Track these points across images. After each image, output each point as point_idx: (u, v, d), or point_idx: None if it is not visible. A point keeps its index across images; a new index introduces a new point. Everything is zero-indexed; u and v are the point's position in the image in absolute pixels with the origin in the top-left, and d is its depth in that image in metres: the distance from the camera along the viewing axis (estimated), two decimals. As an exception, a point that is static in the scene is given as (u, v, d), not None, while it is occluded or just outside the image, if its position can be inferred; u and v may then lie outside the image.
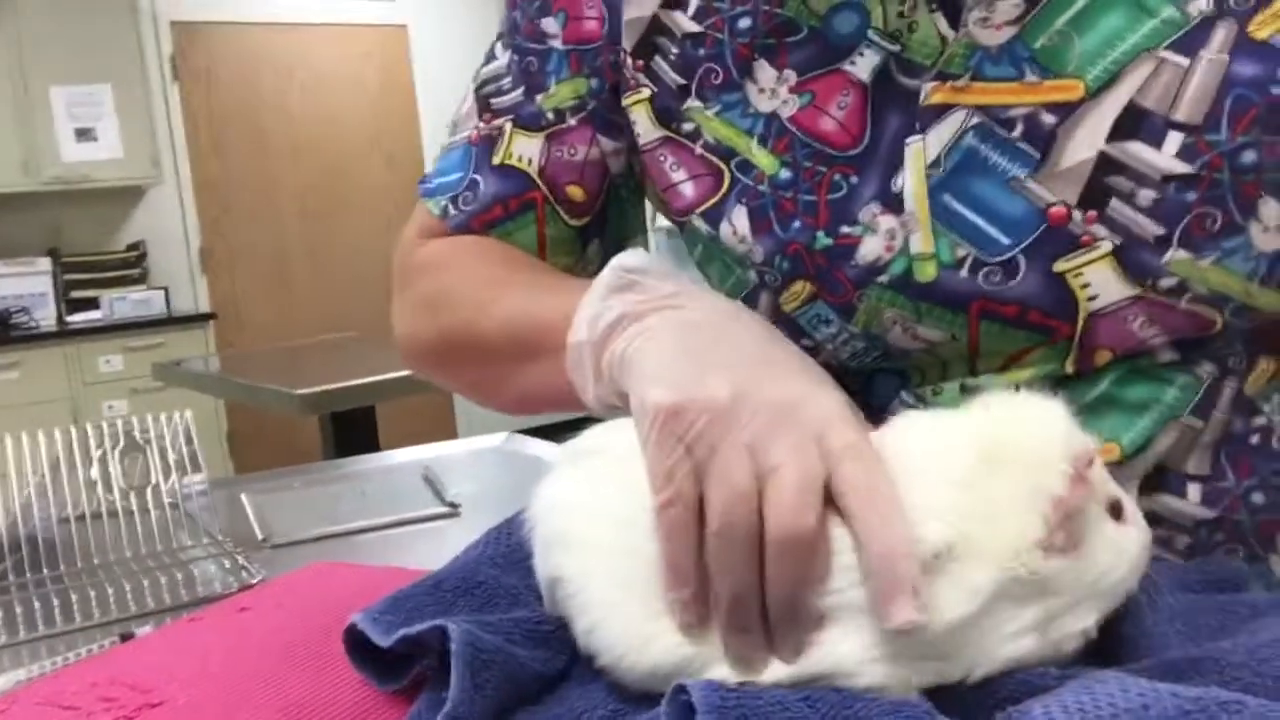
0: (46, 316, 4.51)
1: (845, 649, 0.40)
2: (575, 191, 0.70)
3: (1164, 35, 0.52)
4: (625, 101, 0.66)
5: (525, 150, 0.70)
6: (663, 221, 0.77)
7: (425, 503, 0.96)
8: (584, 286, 0.54)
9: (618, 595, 0.43)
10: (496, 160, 0.70)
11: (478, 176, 0.71)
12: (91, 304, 4.56)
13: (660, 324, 0.49)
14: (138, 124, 4.57)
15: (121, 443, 0.89)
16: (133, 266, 4.73)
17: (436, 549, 0.87)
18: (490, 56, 0.73)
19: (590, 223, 0.71)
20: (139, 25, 4.62)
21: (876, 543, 0.39)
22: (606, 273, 0.53)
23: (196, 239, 4.99)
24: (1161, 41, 0.52)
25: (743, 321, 0.50)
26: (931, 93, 0.56)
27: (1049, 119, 0.54)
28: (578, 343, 0.52)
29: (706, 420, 0.42)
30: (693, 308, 0.50)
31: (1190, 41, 0.52)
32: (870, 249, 0.57)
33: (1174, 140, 0.52)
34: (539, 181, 0.70)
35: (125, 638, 0.61)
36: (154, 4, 4.76)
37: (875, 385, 0.61)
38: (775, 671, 0.40)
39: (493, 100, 0.71)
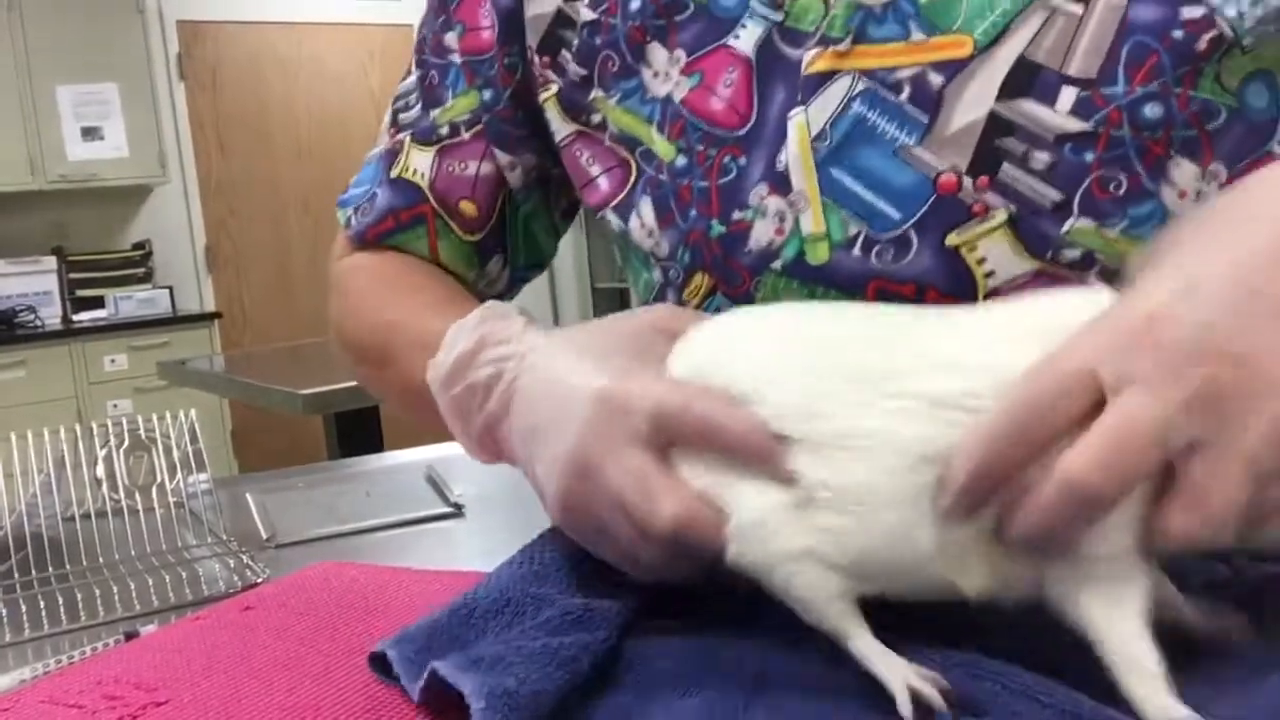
0: (52, 315, 4.52)
1: None
2: (467, 207, 0.69)
3: None
4: (540, 99, 0.65)
5: (419, 164, 0.70)
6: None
7: (429, 503, 0.96)
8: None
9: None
10: (394, 173, 0.71)
11: (378, 190, 0.72)
12: (97, 303, 4.56)
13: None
14: (144, 123, 4.58)
15: (126, 441, 0.89)
16: (138, 265, 4.74)
17: (440, 549, 0.87)
18: (406, 73, 0.74)
19: (486, 238, 0.71)
20: (145, 24, 4.62)
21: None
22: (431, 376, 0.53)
23: (202, 238, 4.99)
24: None
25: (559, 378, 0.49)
26: (813, 60, 0.52)
27: (937, 79, 0.49)
28: (465, 446, 0.54)
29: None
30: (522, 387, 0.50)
31: None
32: (761, 233, 0.54)
33: (1068, 96, 0.47)
34: (430, 196, 0.70)
35: (130, 636, 0.61)
36: (160, 3, 4.77)
37: None
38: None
39: (400, 115, 0.72)
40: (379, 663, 0.45)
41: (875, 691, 0.39)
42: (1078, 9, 0.47)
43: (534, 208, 0.72)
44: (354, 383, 2.54)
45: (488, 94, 0.67)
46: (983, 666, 0.39)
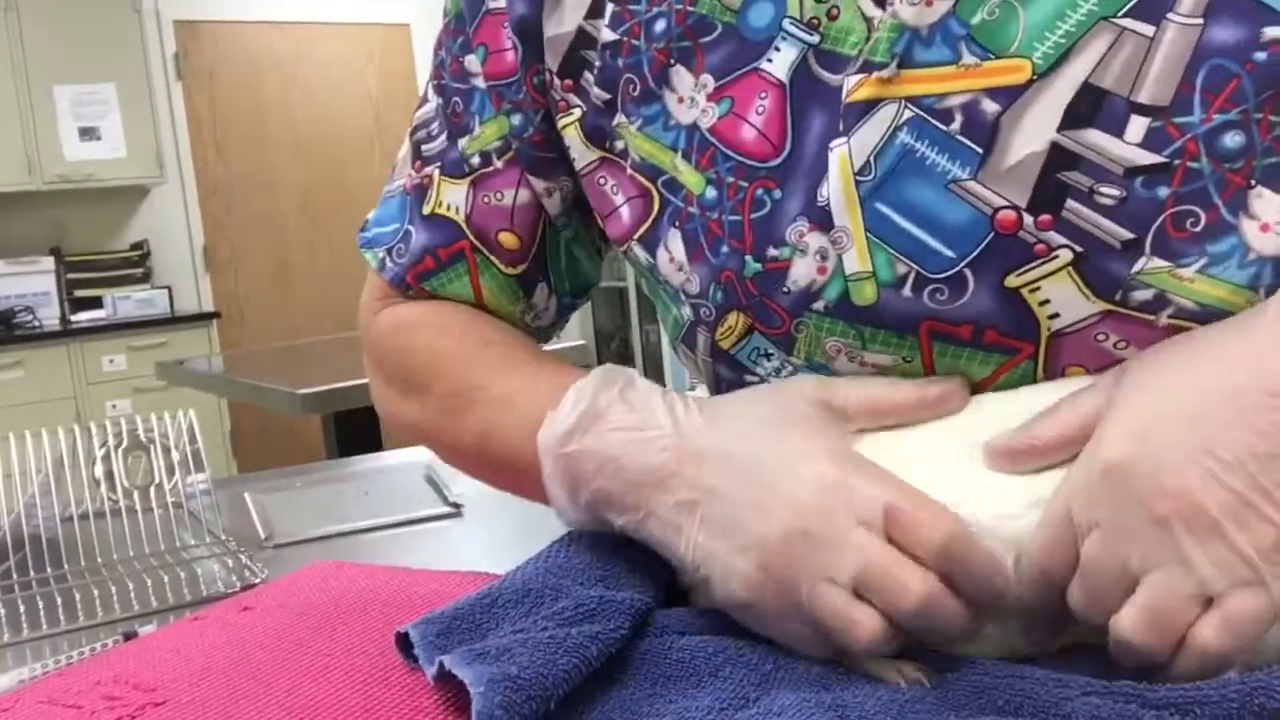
0: (50, 316, 4.51)
1: None
2: (508, 238, 0.66)
3: None
4: (559, 125, 0.62)
5: (453, 199, 0.66)
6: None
7: (428, 503, 0.97)
8: (549, 389, 0.54)
9: None
10: (427, 210, 0.68)
11: (410, 228, 0.68)
12: (95, 303, 4.56)
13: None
14: (141, 123, 4.57)
15: (125, 442, 0.89)
16: (136, 266, 4.73)
17: (439, 549, 0.87)
18: (423, 100, 0.70)
19: (529, 268, 0.67)
20: (143, 24, 4.62)
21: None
22: (546, 462, 0.51)
23: (200, 238, 4.99)
24: (1121, 7, 0.44)
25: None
26: (855, 87, 0.49)
27: (991, 107, 0.46)
28: (560, 508, 0.52)
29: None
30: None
31: (1156, 4, 0.44)
32: (801, 272, 0.51)
33: (1137, 125, 0.44)
34: (467, 231, 0.66)
35: (128, 637, 0.61)
36: (157, 3, 4.76)
37: None
38: None
39: (423, 146, 0.69)
40: (402, 642, 0.47)
41: (877, 688, 0.42)
42: (1148, 30, 0.44)
43: (575, 232, 0.68)
44: (352, 382, 2.51)
45: (516, 119, 0.63)
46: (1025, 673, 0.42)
